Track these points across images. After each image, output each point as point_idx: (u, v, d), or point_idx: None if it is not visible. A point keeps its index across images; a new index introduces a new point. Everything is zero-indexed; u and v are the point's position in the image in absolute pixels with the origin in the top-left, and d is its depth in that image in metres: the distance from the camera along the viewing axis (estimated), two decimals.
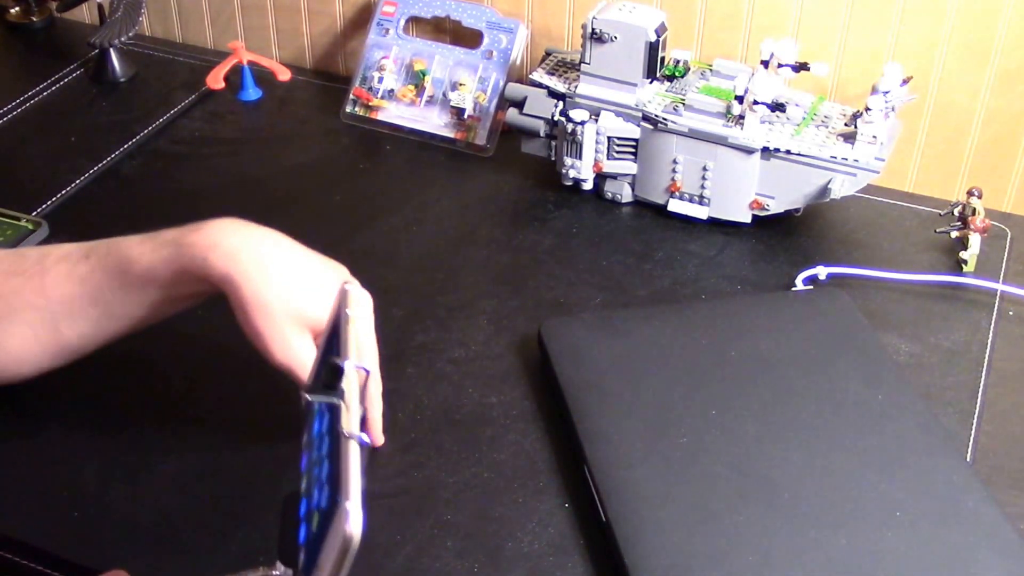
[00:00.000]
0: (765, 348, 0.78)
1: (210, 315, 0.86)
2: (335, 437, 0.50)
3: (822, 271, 0.88)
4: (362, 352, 0.57)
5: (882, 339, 0.81)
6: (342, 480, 0.48)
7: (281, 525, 0.53)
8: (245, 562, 0.67)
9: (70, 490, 0.71)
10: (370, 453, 0.57)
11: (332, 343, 0.56)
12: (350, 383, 0.53)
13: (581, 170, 0.96)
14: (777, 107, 0.89)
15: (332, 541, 0.46)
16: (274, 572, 0.54)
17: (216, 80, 1.15)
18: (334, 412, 0.52)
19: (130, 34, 1.15)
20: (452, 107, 1.06)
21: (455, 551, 0.67)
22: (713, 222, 0.95)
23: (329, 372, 0.53)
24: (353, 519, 0.46)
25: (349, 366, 0.54)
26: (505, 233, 0.95)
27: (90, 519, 0.69)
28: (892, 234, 0.94)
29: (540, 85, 0.97)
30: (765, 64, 0.90)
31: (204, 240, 0.67)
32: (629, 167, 0.96)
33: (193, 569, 0.67)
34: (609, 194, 0.98)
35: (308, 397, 0.54)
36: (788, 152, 0.89)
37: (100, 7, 1.19)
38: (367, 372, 0.56)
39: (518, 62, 1.07)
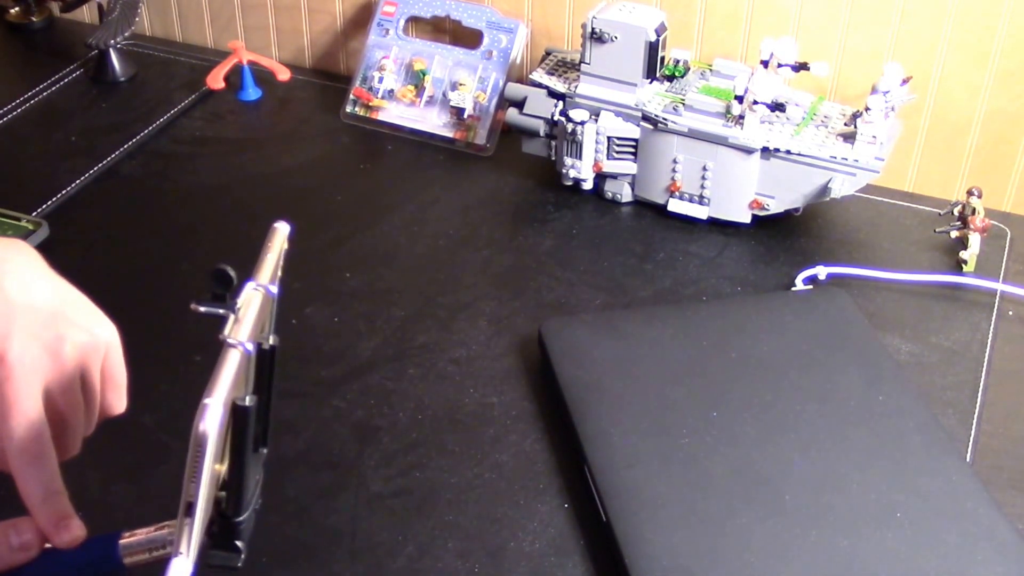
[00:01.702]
0: (765, 348, 0.78)
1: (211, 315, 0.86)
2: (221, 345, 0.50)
3: (822, 271, 0.89)
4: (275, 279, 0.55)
5: (882, 339, 0.81)
6: (210, 381, 0.47)
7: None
8: (245, 563, 0.67)
9: (72, 490, 0.71)
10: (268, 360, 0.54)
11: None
12: (248, 299, 0.52)
13: (581, 170, 0.96)
14: (777, 107, 0.89)
15: (191, 441, 0.47)
16: None
17: (216, 80, 1.15)
18: (222, 321, 0.51)
19: (126, 34, 1.15)
20: (452, 107, 1.06)
21: (456, 551, 0.68)
22: (713, 222, 0.95)
23: (217, 280, 0.51)
24: (208, 416, 0.46)
25: (249, 285, 0.52)
26: (505, 233, 0.95)
27: (92, 519, 0.69)
28: (892, 234, 0.95)
29: (540, 85, 0.97)
30: (765, 64, 0.90)
31: None
32: (629, 167, 0.96)
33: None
34: (609, 194, 0.98)
35: (195, 305, 0.51)
36: (788, 152, 0.89)
37: (100, 7, 1.19)
38: (274, 294, 0.54)
39: (518, 62, 1.07)
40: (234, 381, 0.48)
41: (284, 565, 0.67)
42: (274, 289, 0.54)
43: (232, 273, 0.51)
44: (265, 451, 0.55)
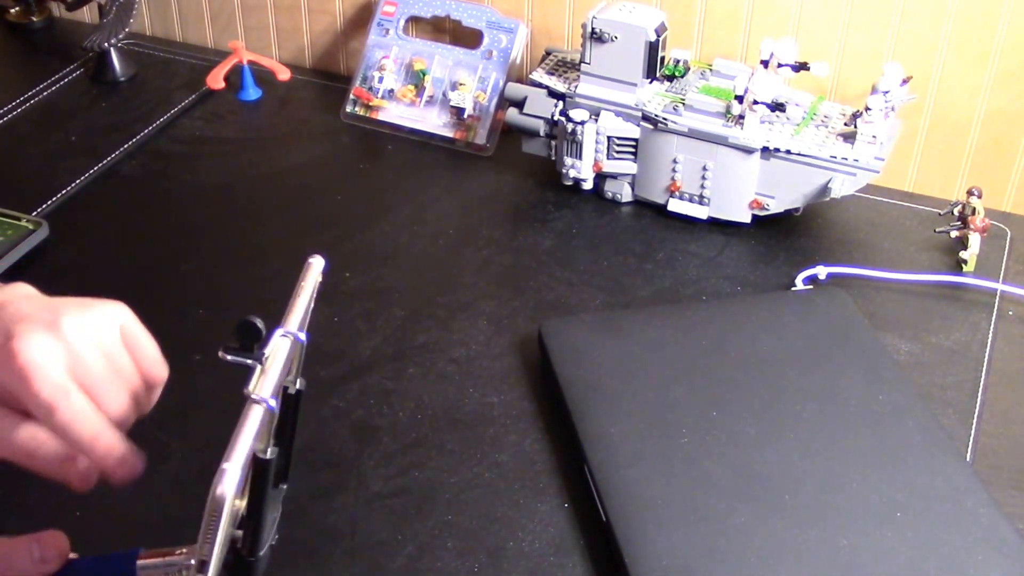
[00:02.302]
0: (765, 348, 0.78)
1: (212, 314, 0.86)
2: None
3: (822, 271, 0.88)
4: (303, 323, 0.54)
5: (882, 339, 0.81)
6: (231, 440, 0.48)
7: None
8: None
9: (71, 490, 0.71)
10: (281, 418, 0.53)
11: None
12: (276, 349, 0.52)
13: (581, 170, 0.96)
14: (777, 107, 0.89)
15: (207, 504, 0.47)
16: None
17: (216, 80, 1.15)
18: (248, 372, 0.51)
19: (120, 36, 1.15)
20: (452, 107, 1.06)
21: (456, 551, 0.68)
22: (713, 222, 0.95)
23: (245, 332, 0.51)
24: (227, 481, 0.46)
25: (277, 333, 0.52)
26: (505, 233, 0.95)
27: (92, 520, 0.69)
28: (892, 234, 0.95)
29: (540, 85, 0.97)
30: (765, 64, 0.90)
31: None
32: (629, 167, 0.96)
33: None
34: (609, 194, 0.98)
35: (222, 354, 0.51)
36: (788, 152, 0.89)
37: (100, 7, 1.19)
38: (303, 341, 0.54)
39: (518, 62, 1.07)
40: (256, 437, 0.49)
41: (283, 565, 0.67)
42: (303, 336, 0.54)
43: (260, 325, 0.51)
44: (285, 487, 0.55)
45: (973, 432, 0.76)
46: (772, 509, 0.67)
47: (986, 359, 0.82)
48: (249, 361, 0.50)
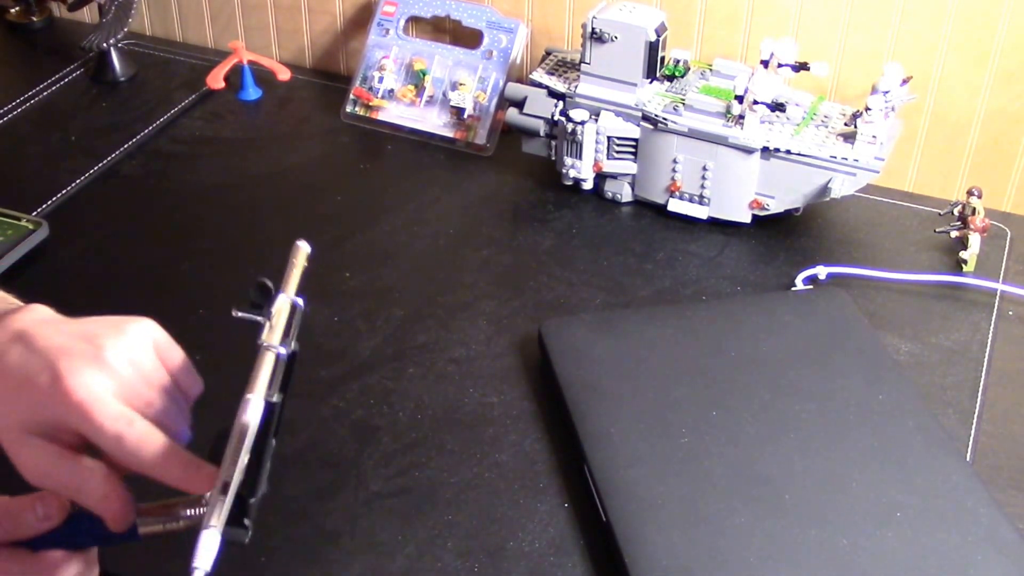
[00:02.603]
0: (765, 348, 0.78)
1: (212, 314, 0.86)
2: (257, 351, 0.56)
3: (822, 271, 0.89)
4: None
5: (882, 339, 0.81)
6: (251, 379, 0.54)
7: (212, 447, 0.54)
8: (247, 563, 0.67)
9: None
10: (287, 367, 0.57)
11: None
12: (281, 307, 0.58)
13: (581, 170, 0.96)
14: (777, 107, 0.89)
15: (234, 430, 0.53)
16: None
17: (216, 80, 1.15)
18: (258, 327, 0.56)
19: (119, 36, 1.15)
20: (452, 107, 1.06)
21: (456, 551, 0.68)
22: (713, 222, 0.95)
23: (258, 291, 0.57)
24: (252, 408, 0.53)
25: (282, 296, 0.58)
26: (505, 233, 0.95)
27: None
28: (892, 234, 0.95)
29: (540, 85, 0.97)
30: (765, 64, 0.90)
31: None
32: (629, 167, 0.96)
33: None
34: (609, 194, 0.98)
35: (235, 312, 0.57)
36: (788, 152, 0.89)
37: (100, 7, 1.19)
38: (300, 306, 0.59)
39: (518, 62, 1.07)
40: (269, 380, 0.55)
41: (283, 564, 0.67)
42: (300, 302, 0.59)
43: (271, 285, 0.58)
44: (274, 443, 0.57)
45: (973, 432, 0.76)
46: (772, 509, 0.67)
47: (986, 359, 0.82)
48: (260, 318, 0.57)
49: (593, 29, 0.92)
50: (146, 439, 0.54)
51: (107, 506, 0.55)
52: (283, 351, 0.56)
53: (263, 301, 0.57)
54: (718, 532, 0.65)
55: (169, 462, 0.54)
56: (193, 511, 0.56)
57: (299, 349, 0.59)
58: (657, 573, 0.63)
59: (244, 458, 0.52)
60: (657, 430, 0.72)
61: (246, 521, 0.53)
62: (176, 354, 0.60)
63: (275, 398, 0.55)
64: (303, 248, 0.62)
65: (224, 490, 0.51)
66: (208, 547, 0.50)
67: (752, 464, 0.70)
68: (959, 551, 0.64)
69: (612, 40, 0.92)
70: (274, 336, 0.56)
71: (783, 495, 0.67)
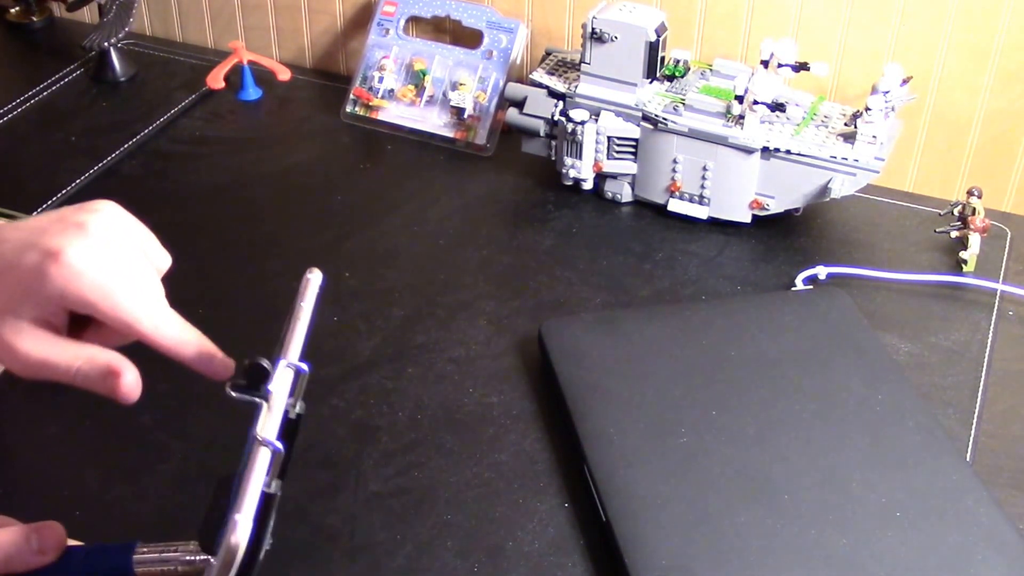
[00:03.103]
0: (765, 348, 0.78)
1: (212, 313, 0.86)
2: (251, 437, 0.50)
3: (822, 271, 0.88)
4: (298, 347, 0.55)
5: (882, 339, 0.81)
6: (241, 488, 0.48)
7: (209, 506, 0.52)
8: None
9: (71, 490, 0.72)
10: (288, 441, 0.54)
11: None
12: (279, 383, 0.52)
13: (581, 170, 0.96)
14: (777, 107, 0.89)
15: (221, 548, 0.47)
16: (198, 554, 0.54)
17: (216, 80, 1.15)
18: (255, 411, 0.51)
19: (120, 35, 1.15)
20: (452, 107, 1.06)
21: (455, 551, 0.68)
22: (713, 222, 0.95)
23: (252, 372, 0.52)
24: (240, 531, 0.47)
25: (281, 366, 0.52)
26: (505, 233, 0.95)
27: (92, 519, 0.69)
28: (892, 234, 0.95)
29: (540, 85, 0.97)
30: (765, 64, 0.90)
31: None
32: (629, 167, 0.96)
33: None
34: (609, 194, 0.98)
35: (229, 390, 0.52)
36: (788, 152, 0.89)
37: (100, 7, 1.19)
38: (305, 371, 0.54)
39: (518, 62, 1.07)
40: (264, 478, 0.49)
41: (283, 565, 0.67)
42: (304, 367, 0.54)
43: (267, 366, 0.51)
44: (280, 493, 0.56)
45: (973, 432, 0.76)
46: (772, 509, 0.67)
47: (986, 359, 0.82)
48: (256, 399, 0.51)
49: (593, 29, 0.92)
50: (164, 319, 0.53)
51: (114, 379, 0.53)
52: (280, 447, 0.50)
53: (260, 382, 0.51)
54: (718, 532, 0.65)
55: (187, 341, 0.53)
56: (194, 558, 0.54)
57: (304, 411, 0.54)
58: (657, 573, 0.63)
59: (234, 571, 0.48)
60: (657, 430, 0.72)
61: None
62: (143, 230, 0.57)
63: (273, 488, 0.50)
64: (313, 281, 0.57)
65: None
66: None
67: (752, 464, 0.70)
68: (959, 551, 0.64)
69: (612, 40, 0.92)
70: (270, 425, 0.51)
71: (783, 495, 0.67)
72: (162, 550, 0.54)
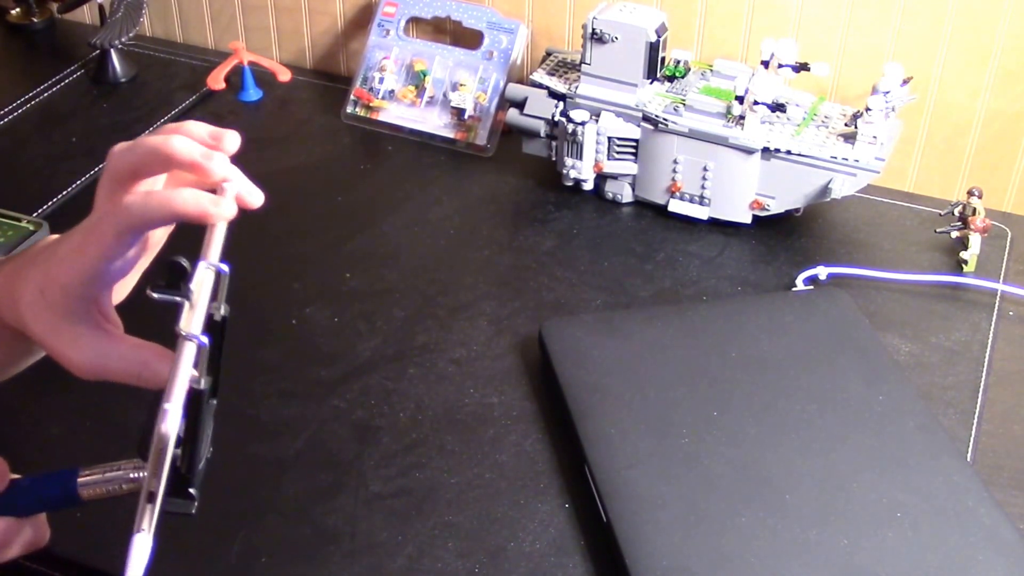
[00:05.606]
0: (766, 348, 0.78)
1: None
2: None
3: (822, 271, 0.89)
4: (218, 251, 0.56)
5: (882, 339, 0.81)
6: (169, 380, 0.50)
7: (144, 421, 0.52)
8: (245, 564, 0.67)
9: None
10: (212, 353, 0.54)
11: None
12: (201, 283, 0.53)
13: (582, 170, 0.96)
14: (777, 107, 0.89)
15: (152, 442, 0.49)
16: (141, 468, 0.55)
17: (217, 81, 1.15)
18: (176, 310, 0.52)
19: (130, 34, 1.15)
20: (452, 107, 1.06)
21: (456, 551, 0.68)
22: (713, 222, 0.95)
23: (171, 270, 0.52)
24: (169, 420, 0.48)
25: (201, 266, 0.53)
26: (505, 233, 0.95)
27: (92, 519, 0.69)
28: (892, 234, 0.95)
29: (540, 85, 0.97)
30: (765, 64, 0.90)
31: None
32: (629, 167, 0.96)
33: (193, 569, 0.67)
34: (610, 194, 0.98)
35: (150, 292, 0.52)
36: (788, 152, 0.89)
37: (100, 7, 1.19)
38: (225, 272, 0.55)
39: (518, 62, 1.08)
40: (191, 371, 0.51)
41: (283, 565, 0.67)
42: (224, 268, 0.55)
43: (185, 264, 0.52)
44: (215, 402, 0.56)
45: (973, 432, 0.76)
46: (772, 509, 0.67)
47: (986, 359, 0.82)
48: (178, 298, 0.51)
49: (593, 30, 0.92)
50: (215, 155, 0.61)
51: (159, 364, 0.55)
52: (204, 340, 0.51)
53: (179, 281, 0.52)
54: (719, 532, 0.65)
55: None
56: (136, 475, 0.55)
57: (229, 313, 0.55)
58: (658, 573, 0.63)
59: (167, 466, 0.49)
60: (658, 430, 0.72)
61: (192, 491, 0.52)
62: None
63: (202, 384, 0.51)
64: (231, 188, 0.59)
65: (151, 499, 0.49)
66: (140, 553, 0.47)
67: (753, 464, 0.70)
68: (959, 551, 0.64)
69: (612, 41, 0.92)
70: (194, 319, 0.51)
71: (784, 495, 0.68)
72: (105, 471, 0.55)
